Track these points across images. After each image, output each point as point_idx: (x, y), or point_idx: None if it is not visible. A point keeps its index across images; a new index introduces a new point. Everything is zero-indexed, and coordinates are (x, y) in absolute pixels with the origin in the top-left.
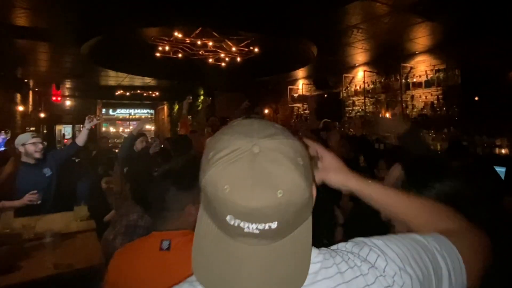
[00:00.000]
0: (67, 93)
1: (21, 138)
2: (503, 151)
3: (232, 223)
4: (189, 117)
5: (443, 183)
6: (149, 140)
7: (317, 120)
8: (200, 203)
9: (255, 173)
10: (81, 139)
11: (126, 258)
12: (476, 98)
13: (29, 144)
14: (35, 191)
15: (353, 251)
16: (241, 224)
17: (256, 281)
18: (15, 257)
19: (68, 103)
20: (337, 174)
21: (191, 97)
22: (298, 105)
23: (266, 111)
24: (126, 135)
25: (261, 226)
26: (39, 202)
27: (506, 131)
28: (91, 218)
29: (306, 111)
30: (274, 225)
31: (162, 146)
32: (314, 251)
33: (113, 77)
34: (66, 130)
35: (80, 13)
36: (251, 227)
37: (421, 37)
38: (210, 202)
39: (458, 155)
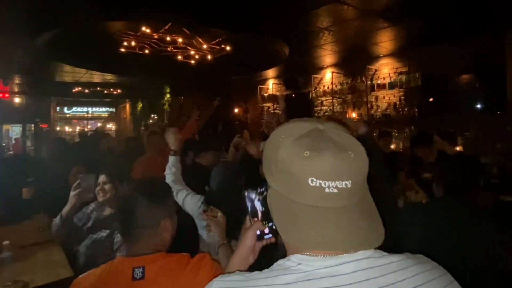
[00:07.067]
0: (16, 89)
1: None
2: (457, 148)
3: (313, 184)
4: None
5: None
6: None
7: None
8: (271, 191)
9: (326, 141)
10: None
11: None
12: (431, 100)
13: None
14: None
15: None
16: (323, 184)
17: (347, 232)
18: None
19: (17, 100)
20: None
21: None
22: (268, 104)
23: (236, 110)
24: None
25: (339, 185)
26: None
27: (460, 129)
28: None
29: (276, 111)
30: (349, 183)
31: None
32: None
33: (69, 73)
34: (14, 130)
35: (35, 1)
36: (331, 186)
37: (385, 41)
38: (289, 175)
39: (422, 144)
